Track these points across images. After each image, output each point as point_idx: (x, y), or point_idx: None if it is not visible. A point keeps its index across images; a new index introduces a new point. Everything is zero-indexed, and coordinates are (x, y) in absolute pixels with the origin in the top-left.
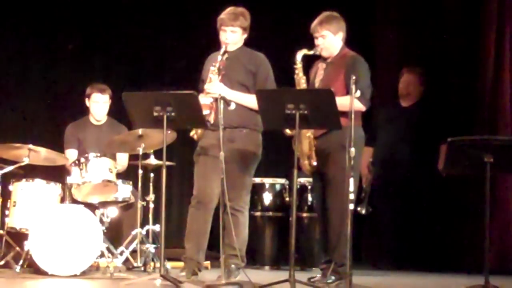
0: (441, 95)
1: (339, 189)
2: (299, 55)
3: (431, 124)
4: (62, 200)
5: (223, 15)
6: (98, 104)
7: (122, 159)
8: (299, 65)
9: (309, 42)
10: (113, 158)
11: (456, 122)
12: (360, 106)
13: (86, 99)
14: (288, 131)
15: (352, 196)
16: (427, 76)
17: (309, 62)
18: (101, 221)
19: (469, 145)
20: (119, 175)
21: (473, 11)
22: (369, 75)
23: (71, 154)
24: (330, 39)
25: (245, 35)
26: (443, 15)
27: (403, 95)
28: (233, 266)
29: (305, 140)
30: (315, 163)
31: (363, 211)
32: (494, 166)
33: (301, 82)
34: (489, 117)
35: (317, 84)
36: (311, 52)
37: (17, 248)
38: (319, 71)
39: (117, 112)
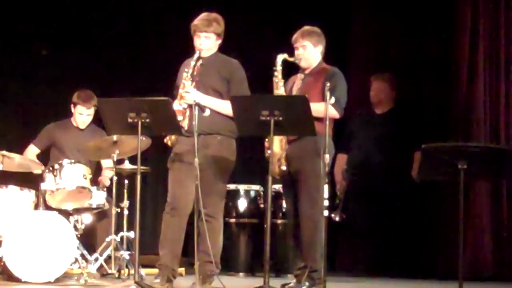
0: (415, 102)
1: (312, 195)
2: (280, 58)
3: (405, 131)
4: (36, 206)
5: (197, 21)
6: (82, 116)
7: (109, 165)
8: (278, 68)
9: (284, 49)
10: (89, 164)
11: (430, 129)
12: (334, 113)
13: (72, 106)
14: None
15: (326, 203)
16: (401, 84)
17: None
18: (75, 228)
19: (443, 152)
20: (93, 182)
21: (448, 19)
22: (346, 87)
23: (32, 149)
24: (310, 50)
25: (219, 41)
26: (418, 25)
27: (375, 103)
28: (207, 272)
29: (278, 144)
30: (284, 168)
31: (337, 218)
32: (468, 173)
33: (279, 85)
34: (463, 123)
35: (294, 93)
36: (292, 59)
37: None
38: (297, 81)
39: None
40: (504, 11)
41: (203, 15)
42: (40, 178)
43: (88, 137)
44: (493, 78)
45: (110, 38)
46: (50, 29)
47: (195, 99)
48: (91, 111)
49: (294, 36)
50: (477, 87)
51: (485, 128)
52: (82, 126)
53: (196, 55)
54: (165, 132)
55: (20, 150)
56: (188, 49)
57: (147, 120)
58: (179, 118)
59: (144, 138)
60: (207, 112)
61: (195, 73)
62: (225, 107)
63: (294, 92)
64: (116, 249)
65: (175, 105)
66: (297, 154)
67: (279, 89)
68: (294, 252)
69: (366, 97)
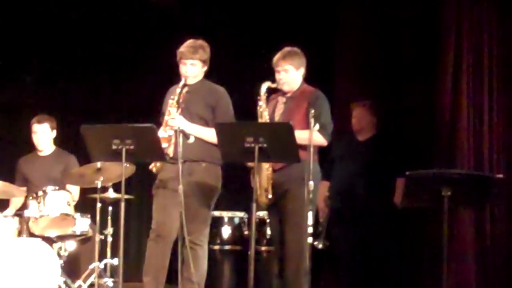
0: (398, 129)
1: (297, 223)
2: (264, 87)
3: (388, 158)
4: (19, 233)
5: (183, 48)
6: (36, 134)
7: (74, 192)
8: (263, 97)
9: (270, 75)
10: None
11: (413, 156)
12: (321, 140)
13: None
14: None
15: (310, 230)
16: (385, 110)
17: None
18: (59, 255)
19: (427, 179)
20: (77, 208)
21: (431, 43)
22: (329, 110)
23: None
24: (292, 73)
25: (205, 68)
26: (400, 48)
27: (357, 130)
28: None
29: (263, 173)
30: (270, 196)
31: (320, 245)
32: (452, 200)
33: (263, 114)
34: (447, 150)
35: (277, 118)
36: (275, 85)
37: None
38: (279, 104)
39: (73, 143)
40: (487, 27)
41: (189, 42)
42: (23, 205)
43: (54, 163)
44: (476, 106)
45: (94, 65)
46: (34, 57)
47: (180, 125)
48: (44, 127)
49: (275, 59)
50: (461, 115)
51: (469, 155)
52: (40, 148)
53: (182, 82)
54: (150, 159)
55: (2, 177)
56: (173, 76)
57: (132, 147)
58: (164, 145)
59: (128, 165)
60: (191, 139)
61: (180, 100)
62: (210, 134)
63: (277, 117)
64: (100, 276)
65: (160, 132)
66: (282, 181)
67: (264, 118)
68: (278, 279)
69: (349, 123)
